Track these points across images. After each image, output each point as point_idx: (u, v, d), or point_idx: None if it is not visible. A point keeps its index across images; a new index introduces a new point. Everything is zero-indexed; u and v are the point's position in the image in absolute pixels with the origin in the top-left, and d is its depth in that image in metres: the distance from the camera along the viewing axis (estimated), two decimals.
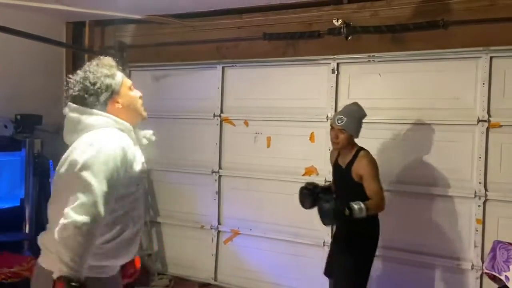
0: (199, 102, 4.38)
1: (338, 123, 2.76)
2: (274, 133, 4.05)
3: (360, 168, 2.75)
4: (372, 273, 2.94)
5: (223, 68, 4.26)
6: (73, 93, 1.67)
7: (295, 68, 3.94)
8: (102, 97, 1.67)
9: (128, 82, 1.80)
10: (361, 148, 2.85)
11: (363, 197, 2.66)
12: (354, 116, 2.81)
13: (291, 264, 3.95)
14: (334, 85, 3.77)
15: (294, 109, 3.93)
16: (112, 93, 1.70)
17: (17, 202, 3.88)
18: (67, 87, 1.70)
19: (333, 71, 3.77)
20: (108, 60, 1.77)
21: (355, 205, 2.53)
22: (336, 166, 2.98)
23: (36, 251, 3.91)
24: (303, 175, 3.88)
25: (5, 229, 3.52)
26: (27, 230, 3.86)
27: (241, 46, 4.13)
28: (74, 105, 1.66)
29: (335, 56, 3.74)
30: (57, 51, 4.68)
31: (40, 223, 3.93)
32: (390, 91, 3.60)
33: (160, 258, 4.54)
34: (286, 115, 3.97)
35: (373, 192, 2.67)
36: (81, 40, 4.78)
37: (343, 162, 2.89)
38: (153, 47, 4.54)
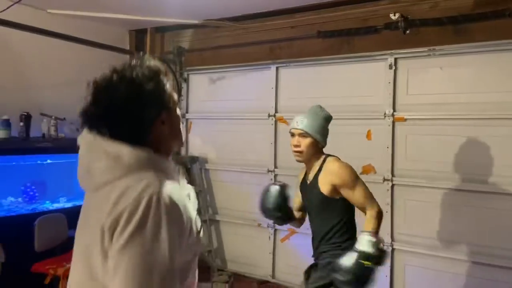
0: (254, 103, 4.45)
1: (298, 125, 2.25)
2: (330, 131, 3.99)
3: (330, 176, 2.17)
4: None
5: (277, 68, 4.30)
6: None
7: (350, 65, 3.88)
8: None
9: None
10: (329, 155, 2.32)
11: (343, 217, 2.21)
12: (317, 115, 2.31)
13: None
14: (391, 81, 3.67)
15: (349, 106, 3.87)
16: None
17: None
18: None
19: (390, 67, 3.66)
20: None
21: (365, 242, 1.97)
22: (302, 185, 2.43)
23: None
24: (361, 173, 3.80)
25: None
26: None
27: (294, 46, 4.14)
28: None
29: (393, 51, 3.64)
30: (122, 58, 4.97)
31: None
32: (453, 85, 3.44)
33: (219, 255, 4.68)
34: (342, 113, 3.90)
35: (363, 201, 2.13)
36: (143, 47, 5.04)
37: (309, 178, 2.34)
38: (209, 50, 4.68)
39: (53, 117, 3.96)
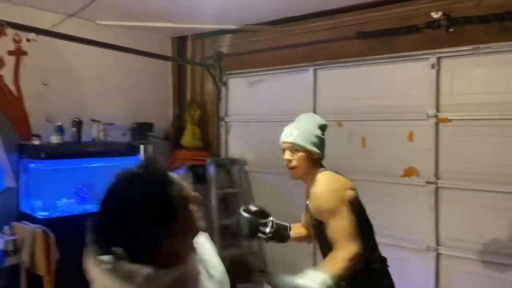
0: (292, 105, 4.47)
1: (287, 137, 1.95)
2: (370, 133, 3.97)
3: (314, 199, 1.87)
4: None
5: (315, 70, 4.30)
6: None
7: (391, 65, 3.83)
8: None
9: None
10: (324, 171, 1.98)
11: None
12: (308, 124, 2.00)
13: (392, 269, 3.84)
14: (434, 81, 3.58)
15: (390, 107, 3.82)
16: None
17: None
18: None
19: (433, 66, 3.58)
20: None
21: (317, 279, 1.67)
22: (306, 207, 2.13)
23: None
24: (402, 176, 3.75)
25: None
26: None
27: (333, 47, 4.13)
28: None
29: (435, 50, 3.55)
30: (164, 65, 5.17)
31: None
32: (499, 84, 3.31)
33: (260, 257, 4.74)
34: (382, 114, 3.87)
35: (337, 236, 1.73)
36: (184, 53, 5.20)
37: (308, 197, 2.05)
38: (247, 54, 4.76)
39: (102, 123, 4.18)
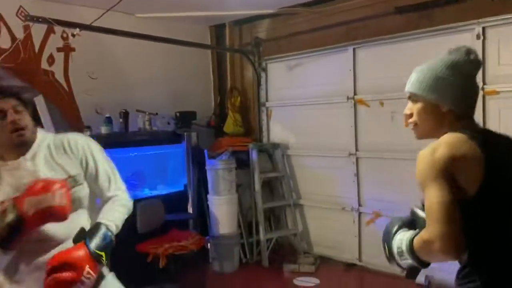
0: (332, 86, 4.43)
1: (407, 85, 1.50)
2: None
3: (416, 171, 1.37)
4: None
5: (354, 49, 4.23)
6: None
7: (432, 39, 3.67)
8: None
9: None
10: (458, 131, 1.36)
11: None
12: (436, 64, 1.42)
13: None
14: (480, 52, 3.40)
15: None
16: None
17: (181, 187, 4.55)
18: None
19: (478, 37, 3.40)
20: None
21: (394, 241, 1.40)
22: None
23: (198, 229, 4.49)
24: None
25: (173, 210, 4.16)
26: (190, 211, 4.51)
27: (371, 25, 4.03)
28: None
29: (480, 20, 3.37)
30: (204, 54, 5.27)
31: (201, 206, 4.55)
32: None
33: (305, 238, 4.77)
34: None
35: (426, 213, 1.30)
36: (222, 41, 5.27)
37: None
38: (285, 38, 4.75)
39: (147, 113, 4.36)
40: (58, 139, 1.66)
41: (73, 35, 3.15)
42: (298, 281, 3.98)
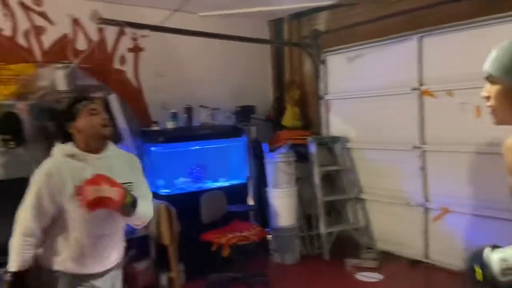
0: (395, 77, 4.30)
1: (485, 65, 1.29)
2: (480, 102, 3.63)
3: (506, 154, 1.34)
4: None
5: (419, 38, 4.06)
6: None
7: (503, 26, 3.42)
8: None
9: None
10: None
11: None
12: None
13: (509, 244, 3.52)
14: None
15: None
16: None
17: (243, 179, 4.66)
18: None
19: None
20: None
21: (494, 259, 1.23)
22: None
23: (259, 220, 4.56)
24: None
25: (234, 202, 4.27)
26: (251, 203, 4.60)
27: (438, 11, 3.85)
28: None
29: None
30: (263, 49, 5.34)
31: (261, 198, 4.63)
32: None
33: (367, 233, 4.70)
34: None
35: None
36: (281, 35, 5.29)
37: None
38: (345, 30, 4.67)
39: (209, 108, 4.51)
40: (123, 152, 2.05)
41: (143, 36, 3.33)
42: (360, 276, 3.93)
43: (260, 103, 5.02)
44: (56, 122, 1.94)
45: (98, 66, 4.02)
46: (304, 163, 4.73)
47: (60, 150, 1.85)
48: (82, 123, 1.82)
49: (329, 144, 4.89)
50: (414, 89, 4.13)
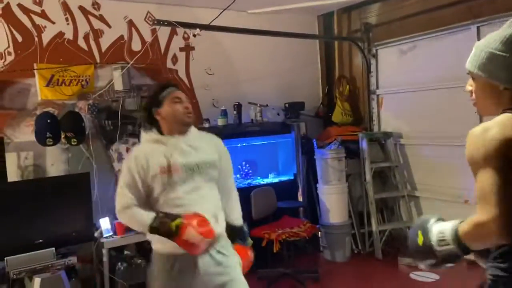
0: (451, 70, 4.10)
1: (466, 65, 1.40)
2: None
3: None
4: None
5: (478, 28, 3.86)
6: None
7: None
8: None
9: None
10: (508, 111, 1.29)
11: None
12: (489, 38, 1.36)
13: None
14: None
15: None
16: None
17: (292, 176, 4.65)
18: None
19: None
20: None
21: (434, 229, 1.31)
22: None
23: (308, 217, 4.54)
24: None
25: (284, 198, 4.28)
26: (300, 199, 4.59)
27: (494, 0, 3.63)
28: None
29: None
30: (312, 44, 5.29)
31: (310, 194, 4.61)
32: None
33: None
34: None
35: (478, 196, 1.24)
36: (330, 30, 5.22)
37: None
38: (397, 22, 4.52)
39: (258, 105, 4.54)
40: (204, 133, 2.16)
41: (194, 35, 3.41)
42: (415, 275, 3.81)
43: (309, 99, 4.98)
44: (144, 108, 2.06)
45: (152, 65, 4.17)
46: (354, 160, 4.65)
47: (145, 137, 2.00)
48: (166, 110, 1.94)
49: (380, 140, 4.77)
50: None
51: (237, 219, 2.12)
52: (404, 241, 4.45)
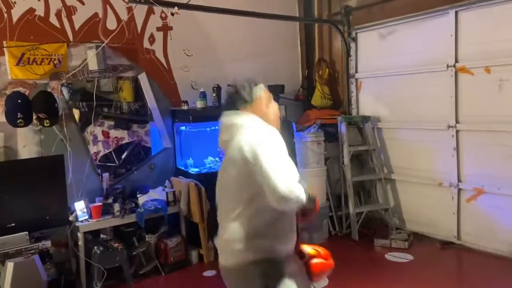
0: (429, 54, 4.14)
1: None
2: None
3: None
4: None
5: (456, 12, 3.88)
6: None
7: None
8: None
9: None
10: None
11: None
12: None
13: None
14: None
15: None
16: None
17: None
18: None
19: None
20: None
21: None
22: None
23: None
24: None
25: None
26: None
27: None
28: None
29: None
30: (292, 26, 5.23)
31: None
32: None
33: (397, 213, 4.63)
34: None
35: None
36: (311, 12, 5.17)
37: None
38: (377, 5, 4.51)
39: None
40: None
41: (172, 14, 3.31)
42: (390, 256, 3.90)
43: (289, 82, 4.95)
44: None
45: (128, 45, 4.04)
46: (333, 143, 4.68)
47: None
48: None
49: (359, 124, 4.80)
50: (450, 66, 3.97)
51: None
52: (380, 223, 4.57)
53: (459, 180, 4.02)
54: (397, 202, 4.66)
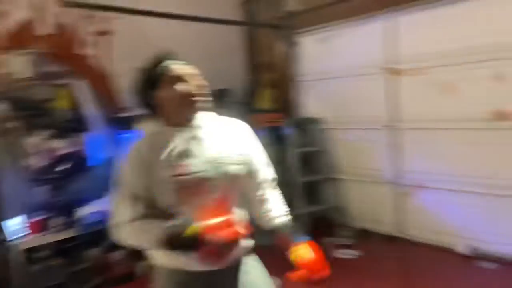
0: (367, 57, 4.31)
1: None
2: (455, 79, 3.71)
3: None
4: None
5: (388, 17, 4.07)
6: None
7: (481, 2, 3.46)
8: None
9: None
10: None
11: None
12: None
13: (483, 218, 3.66)
14: None
15: (480, 48, 3.48)
16: None
17: None
18: None
19: None
20: None
21: None
22: None
23: None
24: (492, 120, 3.48)
25: None
26: None
27: None
28: None
29: None
30: (236, 30, 5.24)
31: None
32: None
33: (344, 212, 4.77)
34: (471, 56, 3.56)
35: None
36: (254, 16, 5.21)
37: None
38: (315, 10, 4.62)
39: None
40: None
41: (114, 19, 3.20)
42: (338, 253, 4.00)
43: (233, 87, 4.96)
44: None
45: (64, 51, 3.85)
46: (281, 145, 4.73)
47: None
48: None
49: (304, 126, 4.89)
50: (385, 68, 4.16)
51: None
52: (328, 222, 4.68)
53: (398, 177, 4.22)
54: (344, 200, 4.80)
